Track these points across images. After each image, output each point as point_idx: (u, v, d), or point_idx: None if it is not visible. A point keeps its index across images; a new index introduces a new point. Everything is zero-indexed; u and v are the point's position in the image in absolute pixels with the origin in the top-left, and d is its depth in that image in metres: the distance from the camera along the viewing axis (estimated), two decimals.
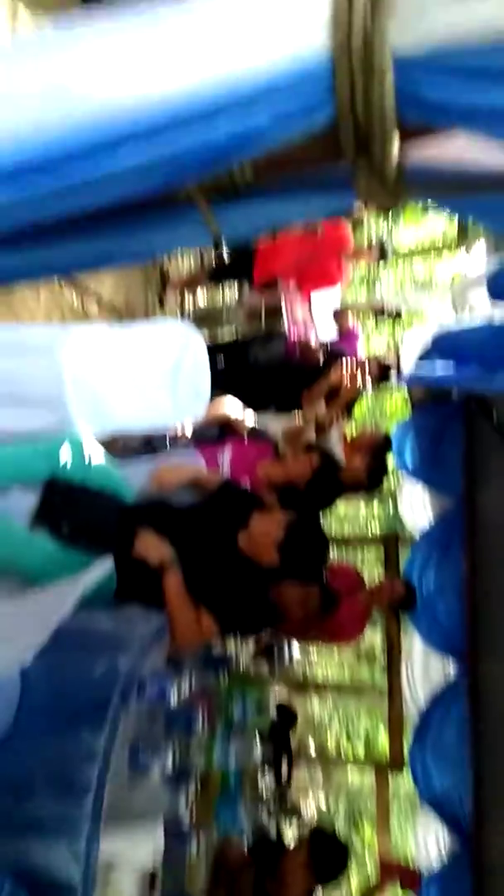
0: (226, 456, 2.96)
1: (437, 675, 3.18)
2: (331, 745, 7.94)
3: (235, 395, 3.34)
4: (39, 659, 1.38)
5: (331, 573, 3.12)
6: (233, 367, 3.90)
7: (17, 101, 0.68)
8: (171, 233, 0.86)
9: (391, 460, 3.34)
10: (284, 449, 3.12)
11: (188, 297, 4.96)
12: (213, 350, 3.00)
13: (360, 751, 7.99)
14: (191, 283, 4.82)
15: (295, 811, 3.20)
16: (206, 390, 2.70)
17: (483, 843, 2.76)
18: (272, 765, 2.71)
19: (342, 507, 6.93)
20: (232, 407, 3.23)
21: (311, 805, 7.38)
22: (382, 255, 4.28)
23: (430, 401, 3.40)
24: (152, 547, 2.07)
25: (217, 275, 4.60)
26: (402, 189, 0.75)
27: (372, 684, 6.87)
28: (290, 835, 3.19)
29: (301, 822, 3.34)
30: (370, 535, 7.59)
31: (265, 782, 2.60)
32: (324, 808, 7.75)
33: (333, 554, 4.59)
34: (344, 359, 3.85)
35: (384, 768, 3.78)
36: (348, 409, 3.75)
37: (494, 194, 0.75)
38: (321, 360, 4.03)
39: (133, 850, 1.74)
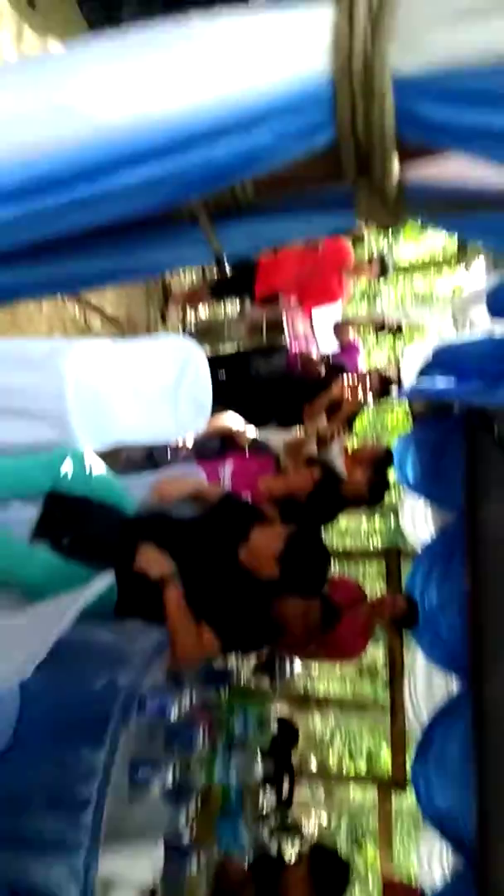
0: (227, 469, 2.96)
1: (440, 691, 3.16)
2: (332, 761, 7.87)
3: (237, 407, 3.36)
4: (39, 672, 1.38)
5: (332, 587, 3.11)
6: (234, 380, 3.92)
7: (24, 121, 0.70)
8: (173, 251, 0.87)
9: (392, 474, 3.34)
10: (286, 462, 3.12)
11: (190, 312, 4.99)
12: (215, 363, 3.01)
13: (363, 767, 7.91)
14: (192, 298, 4.86)
15: (296, 829, 3.17)
16: (208, 404, 2.72)
17: (488, 862, 2.72)
18: (273, 781, 2.68)
19: (343, 520, 6.93)
20: (233, 420, 3.24)
21: (313, 822, 7.29)
22: (383, 270, 4.31)
23: (431, 415, 3.41)
24: (153, 561, 2.07)
25: (219, 290, 4.64)
26: (402, 208, 0.76)
27: (374, 700, 6.82)
28: (291, 852, 3.15)
29: (302, 840, 3.30)
30: (372, 548, 7.58)
31: (266, 799, 2.58)
32: (325, 825, 7.66)
33: (335, 568, 4.58)
34: (345, 372, 3.86)
35: (386, 785, 3.75)
36: (349, 423, 3.76)
37: (494, 213, 0.76)
38: (322, 373, 4.04)
39: (132, 868, 1.72)
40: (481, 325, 3.01)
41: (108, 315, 4.08)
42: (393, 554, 4.04)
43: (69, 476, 2.20)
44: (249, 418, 3.34)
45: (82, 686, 1.72)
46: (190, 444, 3.10)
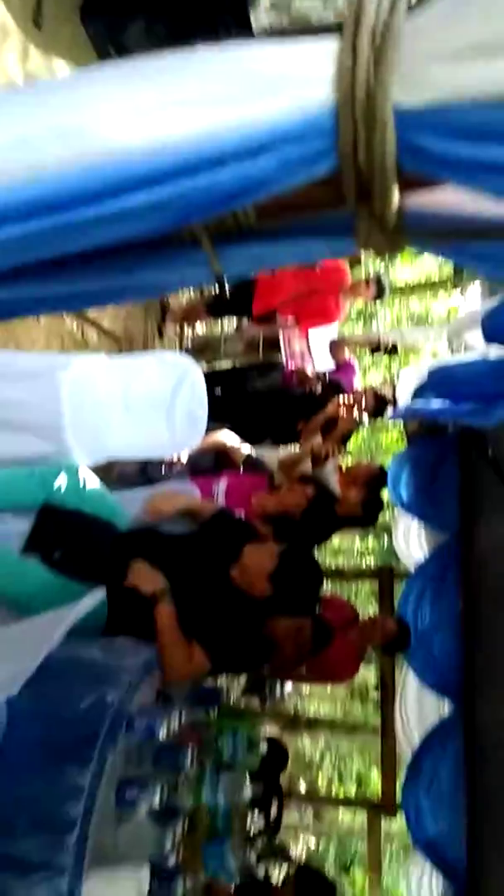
0: (221, 486, 2.96)
1: (432, 713, 3.14)
2: (322, 784, 7.78)
3: (232, 424, 3.36)
4: (26, 689, 1.36)
5: (324, 606, 3.10)
6: (230, 396, 3.94)
7: (32, 142, 0.71)
8: (174, 272, 0.88)
9: (386, 494, 3.35)
10: (280, 479, 3.13)
11: (187, 328, 5.02)
12: (211, 379, 3.03)
13: (352, 790, 7.82)
14: (190, 315, 4.89)
15: (284, 852, 3.12)
16: (203, 421, 2.73)
17: (479, 890, 2.68)
18: (261, 804, 2.65)
19: (337, 539, 6.92)
20: (228, 437, 3.25)
21: (301, 846, 7.18)
22: (379, 291, 4.36)
23: (425, 435, 3.42)
24: (145, 576, 2.06)
25: (216, 307, 4.67)
26: (401, 236, 0.77)
27: (365, 722, 6.76)
28: (278, 876, 3.10)
29: (290, 864, 3.25)
30: (364, 568, 7.56)
31: (254, 822, 2.54)
32: (313, 849, 7.54)
33: (327, 587, 4.57)
34: (341, 391, 3.89)
35: (376, 809, 3.70)
36: (344, 442, 3.77)
37: (493, 242, 0.77)
38: (318, 391, 4.07)
39: (117, 891, 1.68)
40: (476, 347, 3.04)
41: (105, 330, 4.10)
42: (386, 574, 4.03)
43: (63, 490, 2.19)
44: (244, 435, 3.35)
45: (70, 704, 1.70)
46: (184, 460, 3.10)
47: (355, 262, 4.91)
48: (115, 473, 2.95)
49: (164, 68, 0.71)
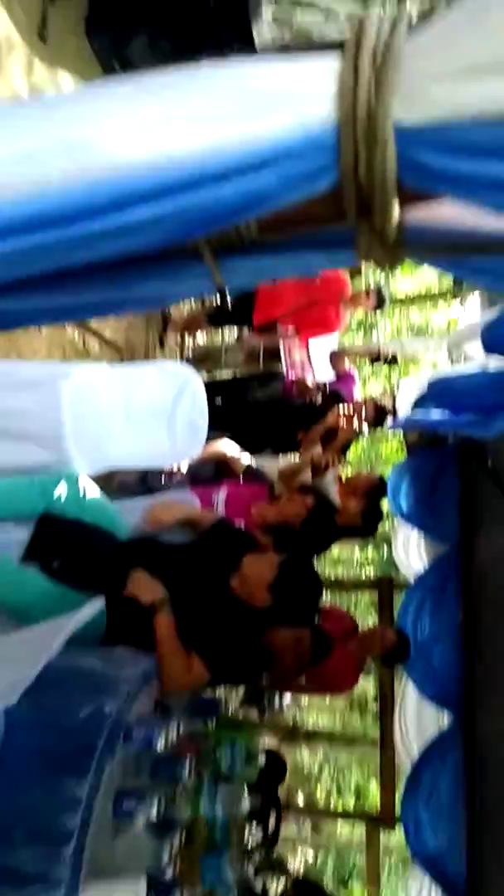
0: (221, 495, 2.96)
1: (431, 725, 3.12)
2: (320, 796, 7.72)
3: (232, 433, 3.37)
4: (25, 698, 1.36)
5: (323, 617, 3.09)
6: (231, 406, 3.95)
7: (37, 156, 0.72)
8: (176, 283, 0.89)
9: (386, 504, 3.35)
10: (280, 489, 3.13)
11: (188, 338, 5.04)
12: (212, 389, 3.04)
13: (351, 803, 7.76)
14: (191, 325, 4.91)
15: (281, 865, 3.09)
16: (204, 430, 2.73)
17: None
18: (259, 816, 2.63)
19: (336, 549, 6.90)
20: (228, 446, 3.25)
21: (299, 859, 7.12)
22: (379, 302, 4.38)
23: (425, 445, 3.43)
24: (144, 586, 2.06)
25: (217, 317, 4.69)
26: (401, 249, 0.78)
27: (364, 734, 6.73)
28: (276, 890, 3.07)
29: (288, 877, 3.22)
30: (364, 578, 7.54)
31: (252, 834, 2.52)
32: (312, 862, 7.47)
33: (327, 597, 4.56)
34: (341, 401, 3.90)
35: (375, 822, 3.67)
36: (343, 451, 3.77)
37: (492, 256, 0.78)
38: (318, 400, 4.08)
39: None
40: (476, 358, 3.05)
41: (106, 339, 4.11)
42: (385, 584, 4.02)
43: (63, 499, 2.19)
44: (245, 445, 3.35)
45: (68, 713, 1.69)
46: (184, 470, 3.11)
47: (356, 272, 4.94)
48: (115, 483, 2.96)
49: (168, 84, 0.72)
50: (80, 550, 2.15)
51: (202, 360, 4.89)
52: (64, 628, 1.58)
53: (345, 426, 3.63)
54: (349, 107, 0.66)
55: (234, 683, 2.67)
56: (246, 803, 2.26)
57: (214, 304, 4.64)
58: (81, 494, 2.26)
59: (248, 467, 3.22)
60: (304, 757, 7.57)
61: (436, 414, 2.64)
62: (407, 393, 3.27)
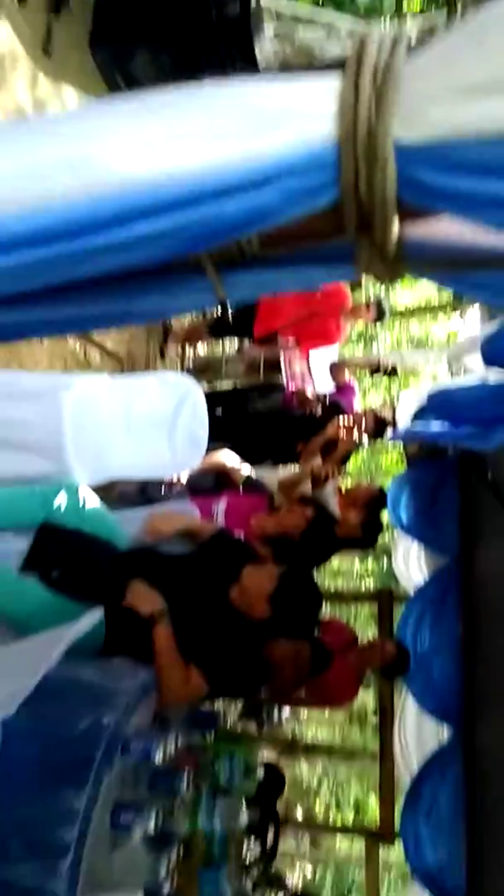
0: (220, 506, 2.96)
1: (431, 739, 3.10)
2: (319, 810, 7.65)
3: (233, 444, 3.38)
4: (23, 708, 1.36)
5: (322, 629, 3.08)
6: (231, 417, 3.96)
7: (40, 172, 0.73)
8: (178, 297, 0.90)
9: (386, 516, 3.35)
10: (280, 500, 3.13)
11: (189, 349, 5.06)
12: (212, 399, 3.05)
13: (350, 817, 7.69)
14: (192, 336, 4.93)
15: (280, 881, 3.06)
16: (204, 441, 2.74)
17: None
18: (258, 830, 2.61)
19: (336, 561, 6.89)
20: (228, 457, 3.26)
21: (298, 875, 7.04)
22: (380, 314, 4.40)
23: (425, 457, 3.43)
24: (143, 597, 2.05)
25: (217, 329, 4.72)
26: (401, 264, 0.79)
27: (363, 747, 6.68)
28: None
29: (286, 893, 3.19)
30: (364, 590, 7.52)
31: (250, 848, 2.50)
32: (310, 877, 7.39)
33: (326, 609, 4.54)
34: (341, 412, 3.91)
35: (374, 837, 3.64)
36: (343, 463, 3.78)
37: (491, 272, 0.79)
38: (318, 411, 4.09)
39: None
40: (476, 371, 3.06)
41: (108, 350, 4.13)
42: (385, 596, 4.01)
43: (62, 509, 2.19)
44: (244, 456, 3.36)
45: (66, 725, 1.69)
46: (184, 480, 3.11)
47: (356, 285, 4.97)
48: (115, 493, 2.96)
49: (171, 102, 0.74)
50: (80, 561, 2.14)
51: (203, 370, 4.91)
52: (63, 639, 1.57)
53: (345, 437, 3.63)
54: (349, 125, 0.67)
55: (233, 696, 2.65)
56: (244, 817, 2.24)
57: (215, 316, 4.66)
58: (81, 505, 2.26)
59: (248, 478, 3.22)
60: (303, 770, 7.52)
61: (436, 426, 2.65)
62: (407, 405, 3.28)
